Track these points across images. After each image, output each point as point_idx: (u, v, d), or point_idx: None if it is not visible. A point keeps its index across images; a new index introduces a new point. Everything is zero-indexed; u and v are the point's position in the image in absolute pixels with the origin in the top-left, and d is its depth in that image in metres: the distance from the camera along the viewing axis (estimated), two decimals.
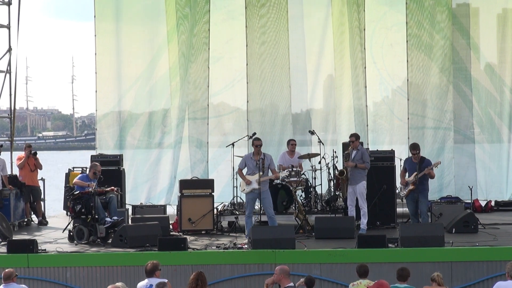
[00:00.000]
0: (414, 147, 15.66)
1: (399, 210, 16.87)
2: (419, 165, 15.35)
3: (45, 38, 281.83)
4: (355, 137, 15.79)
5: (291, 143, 17.19)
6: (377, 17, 19.50)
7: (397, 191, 16.60)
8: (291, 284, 10.49)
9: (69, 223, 15.54)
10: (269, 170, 15.41)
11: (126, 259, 13.62)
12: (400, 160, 16.96)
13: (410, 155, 15.87)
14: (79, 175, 15.63)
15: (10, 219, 16.56)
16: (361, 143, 17.23)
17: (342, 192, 16.05)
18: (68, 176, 18.28)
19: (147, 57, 19.27)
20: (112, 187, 15.45)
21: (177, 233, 16.13)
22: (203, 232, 16.11)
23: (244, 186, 15.33)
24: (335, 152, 17.19)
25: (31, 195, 17.87)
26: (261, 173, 15.20)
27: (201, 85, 19.08)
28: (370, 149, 17.12)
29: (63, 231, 15.83)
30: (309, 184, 17.26)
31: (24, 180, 17.67)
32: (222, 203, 17.80)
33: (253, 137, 16.26)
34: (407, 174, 15.68)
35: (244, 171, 15.46)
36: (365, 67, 18.91)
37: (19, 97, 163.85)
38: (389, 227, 16.32)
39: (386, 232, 15.05)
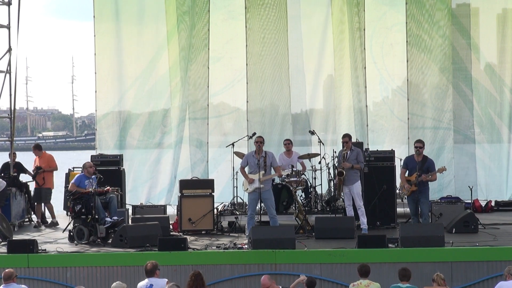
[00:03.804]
0: (419, 141, 15.58)
1: (399, 210, 16.87)
2: (421, 164, 15.27)
3: (45, 38, 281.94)
4: (348, 137, 15.76)
5: (285, 143, 17.23)
6: (377, 17, 19.49)
7: (397, 191, 16.59)
8: (280, 287, 11.09)
9: (69, 223, 15.55)
10: (272, 168, 15.41)
11: (126, 259, 13.63)
12: (400, 160, 16.94)
13: (410, 153, 15.81)
14: (75, 177, 15.60)
15: (10, 219, 16.58)
16: (361, 143, 17.28)
17: (338, 193, 16.02)
18: (68, 176, 18.27)
19: (147, 57, 19.27)
20: (108, 187, 15.43)
21: (177, 233, 16.13)
22: (203, 232, 16.11)
23: (247, 185, 15.32)
24: (335, 152, 17.18)
25: (41, 196, 17.94)
26: (263, 171, 15.19)
27: (201, 85, 19.09)
28: (370, 149, 17.13)
29: (63, 231, 15.85)
30: (309, 184, 17.26)
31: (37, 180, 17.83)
32: (222, 203, 17.80)
33: (255, 135, 16.25)
34: (407, 172, 15.55)
35: (246, 169, 15.45)
36: (365, 67, 18.92)
37: (19, 97, 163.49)
38: (389, 227, 16.32)
39: (386, 232, 15.06)
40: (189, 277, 10.43)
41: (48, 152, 18.62)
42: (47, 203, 18.04)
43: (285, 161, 16.95)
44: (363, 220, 15.56)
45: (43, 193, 17.98)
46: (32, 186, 18.33)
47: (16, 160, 18.29)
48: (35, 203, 18.03)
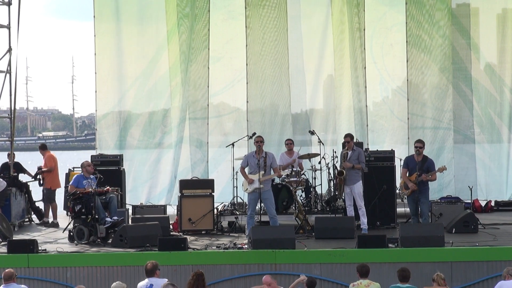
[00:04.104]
0: (419, 141, 15.59)
1: (399, 210, 16.87)
2: (421, 164, 15.25)
3: (45, 38, 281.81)
4: (350, 137, 15.74)
5: (287, 143, 17.22)
6: (377, 17, 19.49)
7: (397, 191, 16.59)
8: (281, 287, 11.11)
9: (69, 223, 15.55)
10: (271, 169, 15.40)
11: (126, 259, 13.63)
12: (400, 160, 16.95)
13: (410, 153, 15.79)
14: (73, 178, 15.60)
15: (10, 219, 16.58)
16: (361, 143, 17.28)
17: (339, 193, 16.01)
18: (68, 176, 18.29)
19: (147, 57, 19.27)
20: (108, 187, 15.43)
21: (177, 233, 16.13)
22: (203, 232, 16.11)
23: (247, 185, 15.32)
24: (335, 152, 17.18)
25: (43, 196, 17.97)
26: (263, 172, 15.19)
27: (201, 85, 19.09)
28: (370, 149, 17.13)
29: (63, 231, 15.85)
30: (309, 184, 17.26)
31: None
32: (222, 203, 17.80)
33: (255, 135, 16.27)
34: (407, 172, 15.52)
35: (247, 169, 15.45)
36: (365, 67, 18.92)
37: (19, 97, 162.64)
38: (389, 227, 16.32)
39: (386, 232, 15.05)
40: (191, 276, 10.47)
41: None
42: (51, 203, 18.06)
43: (287, 161, 16.95)
44: (364, 220, 15.56)
45: (44, 194, 18.03)
46: (32, 186, 18.38)
47: (16, 160, 18.31)
48: (44, 203, 18.14)
